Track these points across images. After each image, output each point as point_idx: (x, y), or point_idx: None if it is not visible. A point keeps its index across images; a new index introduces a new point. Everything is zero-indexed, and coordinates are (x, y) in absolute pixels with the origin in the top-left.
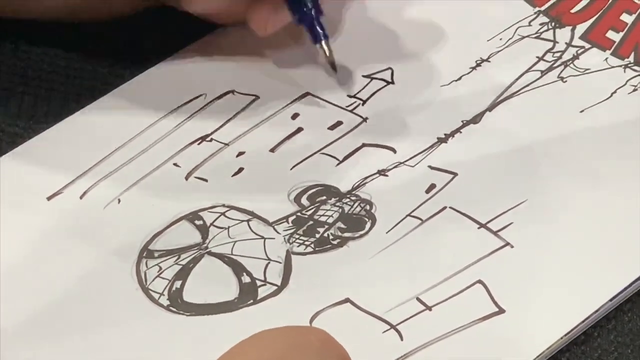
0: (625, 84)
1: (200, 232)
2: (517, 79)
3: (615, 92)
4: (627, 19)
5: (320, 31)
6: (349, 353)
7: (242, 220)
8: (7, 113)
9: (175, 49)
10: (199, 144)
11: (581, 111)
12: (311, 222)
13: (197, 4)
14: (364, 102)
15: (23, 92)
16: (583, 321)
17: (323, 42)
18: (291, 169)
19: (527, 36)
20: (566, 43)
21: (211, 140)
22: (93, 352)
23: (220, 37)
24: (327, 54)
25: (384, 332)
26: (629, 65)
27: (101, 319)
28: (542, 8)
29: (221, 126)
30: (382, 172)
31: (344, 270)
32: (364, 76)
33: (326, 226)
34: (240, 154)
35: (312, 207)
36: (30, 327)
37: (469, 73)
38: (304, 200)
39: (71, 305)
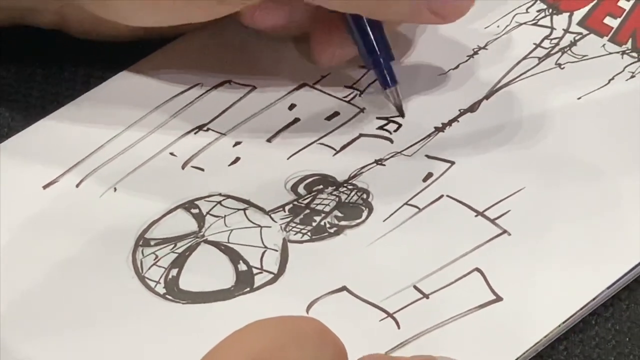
0: (623, 70)
1: (196, 221)
2: (514, 67)
3: (613, 78)
4: (625, 5)
5: (389, 77)
6: (345, 341)
7: (239, 209)
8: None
9: (172, 38)
10: (195, 133)
11: (579, 98)
12: (308, 211)
13: (258, 22)
14: (361, 92)
15: (19, 84)
16: (581, 309)
17: (392, 89)
18: (288, 159)
19: (525, 23)
20: (564, 29)
21: (208, 129)
22: (89, 340)
23: (217, 27)
24: (395, 100)
25: (381, 320)
26: (627, 51)
27: (97, 307)
28: None
29: (218, 116)
30: (379, 162)
31: (340, 258)
32: (360, 66)
33: (323, 214)
34: (237, 143)
35: (309, 195)
36: (26, 315)
37: (466, 61)
38: (300, 189)
39: (67, 293)
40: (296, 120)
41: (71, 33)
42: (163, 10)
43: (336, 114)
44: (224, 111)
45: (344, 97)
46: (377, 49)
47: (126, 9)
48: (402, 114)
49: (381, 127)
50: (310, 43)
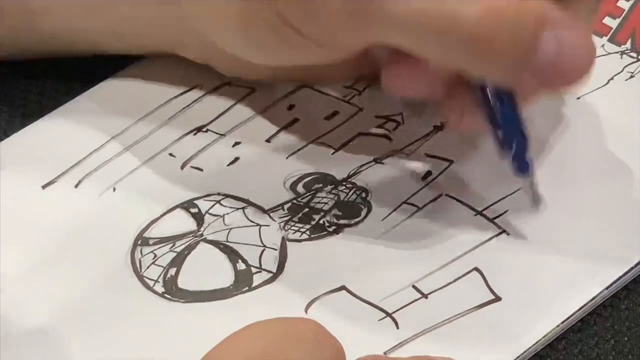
0: (622, 70)
1: (195, 220)
2: None
3: (612, 78)
4: (624, 5)
5: (528, 162)
6: (344, 341)
7: (238, 208)
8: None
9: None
10: (194, 134)
11: (578, 98)
12: (307, 209)
13: (396, 90)
14: (361, 92)
15: (17, 83)
16: (580, 309)
17: (529, 175)
18: (287, 158)
19: None
20: None
21: (207, 130)
22: (87, 339)
23: None
24: (531, 187)
25: (380, 319)
26: (626, 51)
27: (96, 306)
28: None
29: (217, 117)
30: (378, 160)
31: (339, 257)
32: None
33: (322, 213)
34: (236, 143)
35: (308, 194)
36: (24, 314)
37: None
38: (299, 188)
39: (65, 293)
40: (295, 120)
41: (220, 70)
42: (270, 54)
43: (335, 113)
44: (223, 112)
45: (343, 97)
46: (519, 130)
47: (233, 42)
48: (537, 204)
49: (380, 126)
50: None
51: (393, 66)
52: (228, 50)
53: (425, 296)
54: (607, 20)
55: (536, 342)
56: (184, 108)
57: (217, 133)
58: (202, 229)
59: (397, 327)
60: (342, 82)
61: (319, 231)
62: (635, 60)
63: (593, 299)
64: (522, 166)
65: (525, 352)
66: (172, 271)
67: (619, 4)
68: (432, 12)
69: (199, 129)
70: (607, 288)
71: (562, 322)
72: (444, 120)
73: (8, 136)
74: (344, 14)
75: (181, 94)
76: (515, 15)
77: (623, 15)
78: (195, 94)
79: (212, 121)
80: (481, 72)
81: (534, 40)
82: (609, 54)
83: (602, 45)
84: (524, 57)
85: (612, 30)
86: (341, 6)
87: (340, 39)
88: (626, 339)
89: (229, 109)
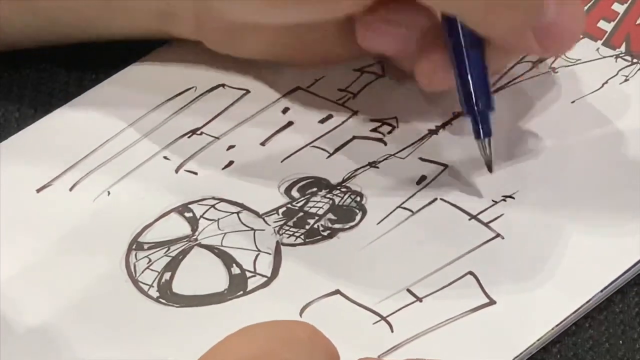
0: (617, 74)
1: (189, 224)
2: (508, 70)
3: (606, 82)
4: (619, 8)
5: (482, 128)
6: (338, 344)
7: (232, 212)
8: None
9: (166, 41)
10: (189, 137)
11: (572, 102)
12: (301, 214)
13: (368, 43)
14: (355, 95)
15: (11, 83)
16: (574, 312)
17: (485, 141)
18: (282, 162)
19: None
20: None
21: (201, 133)
22: (82, 343)
23: None
24: (485, 153)
25: (374, 323)
26: (621, 55)
27: (90, 311)
28: None
29: (211, 120)
30: (372, 164)
31: (334, 261)
32: (355, 70)
33: (316, 217)
34: (231, 147)
35: (303, 198)
36: (20, 318)
37: None
38: (294, 192)
39: (60, 297)
40: (290, 123)
41: (209, 45)
42: (280, 6)
43: (330, 116)
44: (217, 115)
45: (338, 100)
46: (475, 94)
47: (248, 5)
48: (490, 169)
49: (375, 130)
50: (415, 66)
51: (367, 19)
52: (229, 14)
53: (420, 300)
54: (602, 24)
55: (530, 346)
56: (178, 110)
57: (211, 136)
58: (196, 233)
59: (392, 331)
60: (335, 62)
61: (313, 235)
62: (629, 63)
63: (587, 302)
64: (485, 130)
65: (519, 355)
66: (167, 276)
67: (613, 7)
68: None
69: (193, 132)
70: (601, 291)
71: (557, 326)
72: (414, 77)
73: (2, 140)
74: None
75: (175, 96)
76: None
77: (617, 19)
78: (189, 96)
79: (206, 124)
80: (486, 27)
81: (542, 3)
82: (604, 57)
83: (597, 49)
84: (534, 14)
85: (606, 34)
86: None
87: None
88: (621, 342)
89: (223, 111)
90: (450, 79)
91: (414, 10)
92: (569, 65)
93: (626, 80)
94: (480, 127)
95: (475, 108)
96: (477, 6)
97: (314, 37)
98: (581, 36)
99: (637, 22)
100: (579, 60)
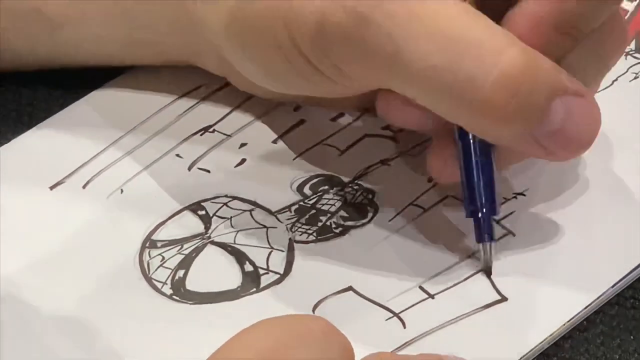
0: (627, 71)
1: (202, 222)
2: None
3: (616, 79)
4: (628, 6)
5: (487, 233)
6: (351, 340)
7: (245, 210)
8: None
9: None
10: (201, 135)
11: None
12: (314, 211)
13: (388, 119)
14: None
15: (26, 83)
16: (585, 308)
17: (487, 245)
18: (294, 160)
19: None
20: None
21: (214, 131)
22: (96, 341)
23: None
24: (486, 258)
25: (387, 319)
26: (630, 52)
27: (104, 308)
28: None
29: (223, 117)
30: (384, 162)
31: (346, 258)
32: None
33: (329, 215)
34: (243, 145)
35: (315, 196)
36: (31, 315)
37: None
38: (306, 190)
39: (74, 295)
40: (302, 121)
41: (237, 86)
42: (284, 84)
43: (341, 114)
44: (229, 112)
45: None
46: (480, 200)
47: (254, 72)
48: (489, 274)
49: (386, 127)
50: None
51: (387, 95)
52: (242, 73)
53: (432, 297)
54: None
55: (542, 341)
56: (189, 108)
57: (223, 134)
58: (209, 231)
59: (404, 327)
60: (350, 109)
61: (325, 233)
62: (639, 61)
63: (599, 297)
64: (486, 233)
65: (531, 351)
66: (180, 273)
67: (623, 5)
68: (447, 73)
69: (205, 130)
70: (612, 287)
71: (568, 321)
72: (427, 164)
73: (16, 137)
74: (360, 59)
75: (187, 93)
76: (530, 84)
77: (627, 16)
78: (201, 93)
79: (218, 121)
80: (489, 134)
81: (546, 109)
82: None
83: None
84: (534, 124)
85: None
86: (359, 52)
87: (355, 80)
88: (632, 337)
89: (235, 109)
90: (456, 173)
91: None
92: None
93: (636, 77)
94: (482, 232)
95: (480, 214)
96: (470, 115)
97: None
98: None
99: None
100: None
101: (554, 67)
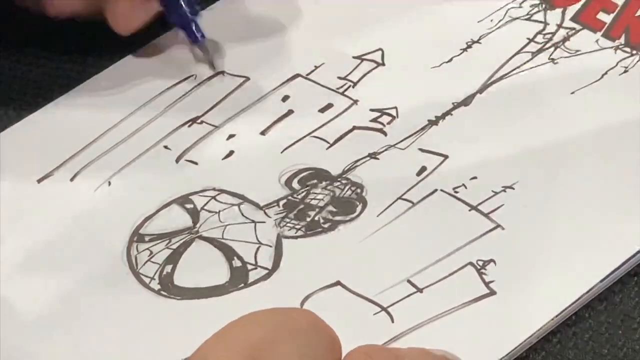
0: (616, 65)
1: (190, 216)
2: (507, 61)
3: (606, 73)
4: (618, 0)
5: (198, 33)
6: (340, 335)
7: (233, 204)
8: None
9: (165, 30)
10: (189, 126)
11: (572, 92)
12: (302, 206)
13: (54, 8)
14: (355, 84)
15: (14, 76)
16: (574, 302)
17: (202, 43)
18: (282, 152)
19: (518, 18)
20: (557, 24)
21: (202, 122)
22: (83, 335)
23: (210, 17)
24: (207, 56)
25: (375, 314)
26: (620, 46)
27: (92, 303)
28: None
29: (211, 108)
30: (372, 155)
31: (334, 253)
32: (354, 57)
33: (317, 210)
34: (231, 136)
35: (303, 190)
36: (20, 309)
37: (459, 55)
38: (294, 184)
39: (61, 289)
40: (290, 112)
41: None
42: None
43: (329, 105)
44: (217, 103)
45: (338, 89)
46: (180, 4)
47: None
48: (213, 67)
49: (375, 120)
50: (107, 13)
51: None
52: None
53: (420, 290)
54: (601, 16)
55: (530, 336)
56: (178, 98)
57: (211, 125)
58: (197, 225)
59: (393, 321)
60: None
61: (314, 228)
62: (629, 55)
63: (587, 292)
64: (195, 35)
65: (519, 345)
66: (168, 268)
67: None
68: None
69: (193, 121)
70: (601, 281)
71: (557, 316)
72: (113, 26)
73: (3, 130)
74: None
75: (175, 84)
76: None
77: (617, 10)
78: (189, 84)
79: (206, 112)
80: None
81: None
82: (603, 49)
83: (597, 41)
84: None
85: (606, 26)
86: None
87: None
88: (620, 332)
89: (223, 99)
90: (148, 9)
91: None
92: (568, 57)
93: (625, 71)
94: (194, 32)
95: (188, 17)
96: None
97: None
98: (581, 27)
99: (637, 14)
100: (578, 51)
101: None
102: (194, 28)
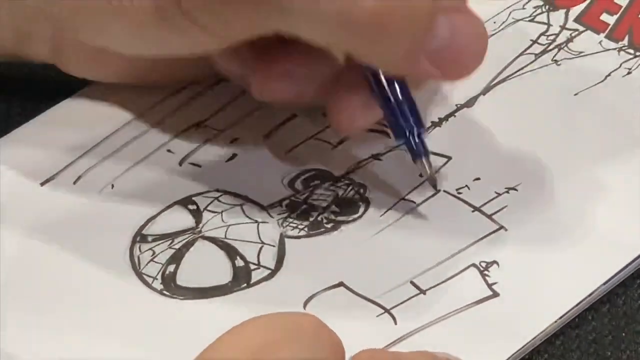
0: (620, 66)
1: (193, 217)
2: (511, 63)
3: (609, 74)
4: (621, 1)
5: (422, 148)
6: (342, 337)
7: (236, 205)
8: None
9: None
10: (193, 130)
11: (575, 94)
12: (305, 206)
13: (266, 95)
14: None
15: (18, 78)
16: (577, 304)
17: (424, 159)
18: (285, 154)
19: (521, 19)
20: (560, 26)
21: (205, 127)
22: (86, 335)
23: None
24: (428, 171)
25: (378, 315)
26: (623, 48)
27: (95, 303)
28: None
29: (215, 113)
30: (376, 157)
31: (337, 253)
32: None
33: (320, 210)
34: (234, 140)
35: (306, 191)
36: (23, 310)
37: None
38: (297, 185)
39: (64, 290)
40: (293, 116)
41: (65, 68)
42: (148, 37)
43: None
44: (221, 108)
45: None
46: (406, 116)
47: (115, 33)
48: (435, 187)
49: (378, 122)
50: (328, 110)
51: (263, 68)
52: (92, 41)
53: (423, 292)
54: (605, 17)
55: (534, 338)
56: (182, 104)
57: (215, 129)
58: (200, 225)
59: (396, 323)
60: (178, 83)
61: (317, 228)
62: (632, 56)
63: (590, 294)
64: (419, 150)
65: (522, 347)
66: (171, 268)
67: (616, 0)
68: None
69: (197, 125)
70: (604, 284)
71: (560, 318)
72: (334, 121)
73: (7, 133)
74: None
75: (179, 90)
76: (409, 1)
77: (620, 12)
78: (193, 90)
79: (210, 117)
80: (377, 58)
81: (429, 25)
82: (607, 50)
83: (600, 42)
84: (419, 42)
85: (609, 27)
86: None
87: (235, 27)
88: (623, 334)
89: (227, 104)
90: (371, 115)
91: (311, 59)
92: (572, 58)
93: (629, 73)
94: (417, 147)
95: (408, 131)
96: (357, 40)
97: (176, 61)
98: (584, 29)
99: None
100: (581, 52)
101: None
102: (415, 142)
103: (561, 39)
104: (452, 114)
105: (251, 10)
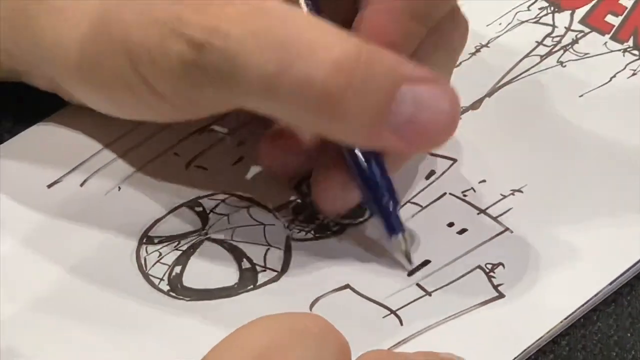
0: (625, 68)
1: (200, 219)
2: (516, 64)
3: (614, 76)
4: (626, 2)
5: (397, 225)
6: (349, 338)
7: (242, 207)
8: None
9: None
10: (199, 133)
11: (580, 95)
12: (311, 209)
13: (277, 167)
14: None
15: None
16: (582, 305)
17: (400, 236)
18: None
19: (526, 21)
20: (565, 27)
21: (211, 130)
22: (93, 337)
23: None
24: (403, 247)
25: (384, 317)
26: (628, 49)
27: (101, 304)
28: None
29: (222, 116)
30: None
31: (344, 256)
32: None
33: None
34: (241, 143)
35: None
36: (29, 312)
37: (468, 59)
38: (303, 187)
39: (71, 291)
40: None
41: (71, 102)
42: (126, 106)
43: None
44: (227, 112)
45: None
46: (382, 194)
47: (95, 101)
48: (409, 261)
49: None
50: (312, 188)
51: (269, 142)
52: (71, 99)
53: (429, 294)
54: (610, 18)
55: (539, 339)
56: None
57: (221, 132)
58: (206, 227)
59: (401, 324)
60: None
61: (323, 230)
62: (637, 58)
63: (596, 295)
64: (392, 227)
65: (528, 348)
66: (177, 269)
67: (621, 1)
68: (284, 77)
69: (203, 128)
70: (610, 284)
71: (565, 319)
72: (317, 203)
73: (14, 136)
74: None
75: None
76: (365, 74)
77: (625, 13)
78: None
79: (216, 120)
80: (338, 134)
81: (388, 99)
82: (611, 51)
83: (605, 43)
84: (378, 117)
85: (614, 28)
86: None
87: (203, 106)
88: (629, 334)
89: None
90: (350, 197)
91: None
92: (576, 60)
93: (634, 74)
94: (395, 223)
95: (386, 207)
96: (314, 118)
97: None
98: (589, 30)
99: None
100: (586, 54)
101: (394, 57)
102: (392, 220)
103: (566, 40)
104: None
105: (216, 93)
